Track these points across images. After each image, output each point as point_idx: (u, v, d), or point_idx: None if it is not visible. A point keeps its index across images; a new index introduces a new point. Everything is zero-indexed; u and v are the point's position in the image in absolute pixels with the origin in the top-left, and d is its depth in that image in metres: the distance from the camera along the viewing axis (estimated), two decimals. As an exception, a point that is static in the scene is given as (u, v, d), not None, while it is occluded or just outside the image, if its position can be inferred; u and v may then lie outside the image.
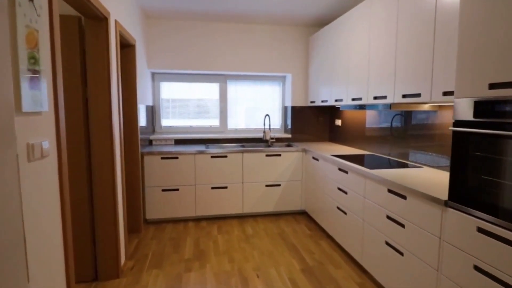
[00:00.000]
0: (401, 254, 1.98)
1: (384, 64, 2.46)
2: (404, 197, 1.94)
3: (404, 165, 2.52)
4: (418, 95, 2.09)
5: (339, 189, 2.80)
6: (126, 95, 3.05)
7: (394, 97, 2.31)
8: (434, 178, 2.09)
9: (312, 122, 4.41)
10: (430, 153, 2.44)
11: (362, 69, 2.79)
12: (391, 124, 2.93)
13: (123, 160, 2.59)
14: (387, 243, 2.12)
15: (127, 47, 2.97)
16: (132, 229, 3.28)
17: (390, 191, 2.07)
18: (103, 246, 2.36)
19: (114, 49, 2.33)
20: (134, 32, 3.08)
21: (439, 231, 1.66)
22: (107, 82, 2.14)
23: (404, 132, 2.76)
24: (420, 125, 2.56)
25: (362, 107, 2.72)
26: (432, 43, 1.96)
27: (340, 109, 3.18)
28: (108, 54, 2.15)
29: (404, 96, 2.21)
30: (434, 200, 1.67)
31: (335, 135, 4.20)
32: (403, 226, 1.95)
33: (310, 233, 3.29)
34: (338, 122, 4.12)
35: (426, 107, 2.36)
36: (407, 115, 2.74)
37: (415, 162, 2.60)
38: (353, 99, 2.94)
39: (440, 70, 1.91)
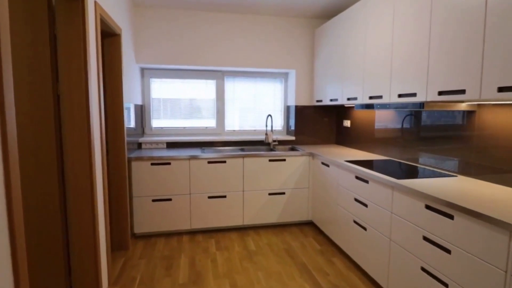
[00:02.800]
0: (445, 285, 1.62)
1: (412, 58, 2.11)
2: (450, 217, 1.58)
3: (435, 174, 2.17)
4: (462, 91, 1.74)
5: (357, 200, 2.45)
6: (110, 92, 2.64)
7: (427, 95, 1.96)
8: (480, 191, 1.74)
9: (318, 123, 4.05)
10: (461, 159, 2.10)
11: (382, 63, 2.44)
12: (411, 125, 2.59)
13: (105, 167, 2.19)
14: (424, 270, 1.77)
15: (110, 36, 2.57)
16: (118, 245, 2.88)
17: (429, 207, 1.72)
18: (80, 271, 1.96)
19: (93, 37, 1.93)
20: (120, 20, 2.67)
21: (505, 264, 1.31)
22: (84, 76, 1.74)
23: (427, 134, 2.42)
24: (449, 127, 2.22)
25: (383, 106, 2.36)
26: (482, 32, 1.61)
27: (355, 108, 2.83)
28: (85, 42, 1.75)
29: (440, 93, 1.86)
30: (501, 224, 1.32)
31: (343, 137, 3.85)
32: (448, 251, 1.59)
33: (320, 248, 2.93)
34: (347, 123, 3.77)
35: (463, 106, 2.01)
36: (429, 115, 2.40)
37: (446, 170, 2.26)
38: (371, 97, 2.59)
39: (492, 63, 1.57)
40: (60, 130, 1.78)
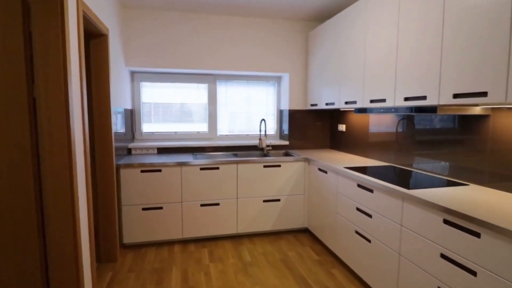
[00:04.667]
0: (457, 302, 1.50)
1: (421, 58, 2.01)
2: (475, 234, 1.43)
3: (446, 182, 2.06)
4: (483, 94, 1.58)
5: (359, 210, 2.33)
6: (97, 95, 2.49)
7: (439, 98, 1.84)
8: (504, 203, 1.63)
9: (312, 128, 3.94)
10: (473, 167, 2.00)
11: (386, 65, 2.34)
12: (411, 129, 2.49)
13: (89, 175, 2.03)
14: None
15: (97, 37, 2.42)
16: (106, 257, 2.71)
17: (447, 222, 1.59)
18: (61, 291, 1.80)
19: (74, 34, 1.79)
20: (107, 19, 2.53)
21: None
22: (63, 77, 1.59)
23: (430, 139, 2.32)
24: (456, 131, 2.12)
25: (387, 110, 2.25)
26: (510, 23, 1.47)
27: (354, 113, 2.72)
28: (65, 40, 1.60)
29: (456, 96, 1.74)
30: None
31: (338, 142, 3.75)
32: (473, 273, 1.45)
33: (318, 258, 2.80)
34: (342, 127, 3.67)
35: (477, 110, 1.91)
36: (432, 119, 2.30)
37: (456, 178, 2.15)
38: (372, 101, 2.48)
39: None
40: (37, 135, 1.63)
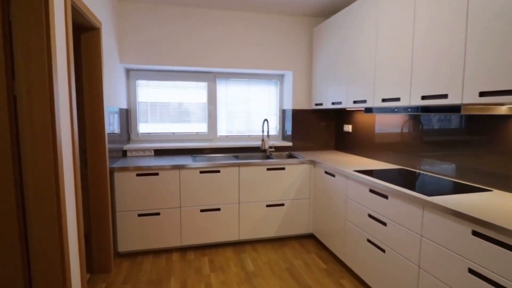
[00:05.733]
0: (490, 323, 1.35)
1: (442, 54, 1.85)
2: (510, 248, 1.28)
3: (467, 188, 1.90)
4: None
5: (372, 217, 2.17)
6: (89, 94, 2.32)
7: (463, 96, 1.68)
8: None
9: (316, 128, 3.78)
10: (497, 171, 1.85)
11: (401, 62, 2.18)
12: (424, 129, 2.33)
13: (79, 179, 1.86)
14: (459, 303, 1.49)
15: (88, 31, 2.25)
16: (99, 267, 2.53)
17: (477, 234, 1.42)
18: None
19: (62, 27, 1.62)
20: (99, 12, 2.36)
21: None
22: (47, 73, 1.42)
23: (447, 139, 2.16)
24: (475, 132, 1.96)
25: (402, 110, 2.09)
26: None
27: (364, 112, 2.56)
28: (50, 33, 1.43)
29: (482, 94, 1.58)
30: None
31: (343, 143, 3.59)
32: None
33: (326, 267, 2.63)
34: (348, 127, 3.51)
35: (503, 110, 1.75)
36: (447, 119, 2.15)
37: (478, 183, 1.99)
38: (384, 100, 2.32)
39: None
40: (18, 138, 1.46)
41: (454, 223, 1.53)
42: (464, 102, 1.68)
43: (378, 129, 2.94)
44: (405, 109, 2.06)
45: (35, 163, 1.45)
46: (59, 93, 1.55)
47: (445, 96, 1.80)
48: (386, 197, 2.01)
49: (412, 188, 1.89)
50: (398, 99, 2.17)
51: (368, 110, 2.47)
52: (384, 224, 2.03)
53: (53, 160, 1.47)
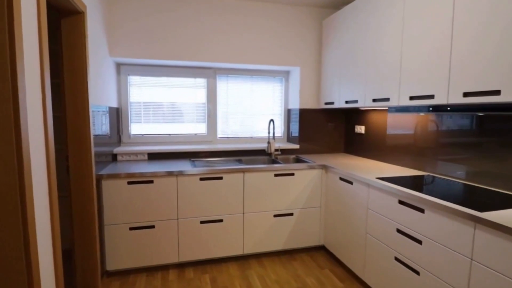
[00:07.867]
0: None
1: (489, 45, 1.56)
2: None
3: (512, 199, 1.61)
4: None
5: (402, 232, 1.87)
6: (71, 90, 1.98)
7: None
8: None
9: (324, 129, 3.48)
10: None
11: (435, 55, 1.88)
12: (455, 129, 2.04)
13: (55, 190, 1.53)
14: None
15: (70, 15, 1.91)
16: (84, 290, 2.20)
17: None
18: None
19: (32, 6, 1.29)
20: (84, -5, 2.02)
21: None
22: (9, 63, 1.09)
23: (487, 140, 1.87)
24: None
25: (438, 108, 1.80)
26: None
27: (388, 112, 2.26)
28: (13, 11, 1.10)
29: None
30: None
31: (354, 145, 3.29)
32: None
33: (343, 286, 2.33)
34: (360, 128, 3.22)
35: None
36: (481, 118, 1.86)
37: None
38: (412, 98, 2.02)
39: None
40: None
41: (522, 248, 1.24)
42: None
43: (395, 130, 2.64)
44: (440, 108, 1.76)
45: (-7, 176, 1.12)
46: (26, 87, 1.22)
47: (497, 92, 1.51)
48: (422, 210, 1.71)
49: (456, 201, 1.59)
50: (431, 97, 1.87)
51: (395, 109, 2.17)
52: (419, 242, 1.73)
53: (17, 170, 1.14)
